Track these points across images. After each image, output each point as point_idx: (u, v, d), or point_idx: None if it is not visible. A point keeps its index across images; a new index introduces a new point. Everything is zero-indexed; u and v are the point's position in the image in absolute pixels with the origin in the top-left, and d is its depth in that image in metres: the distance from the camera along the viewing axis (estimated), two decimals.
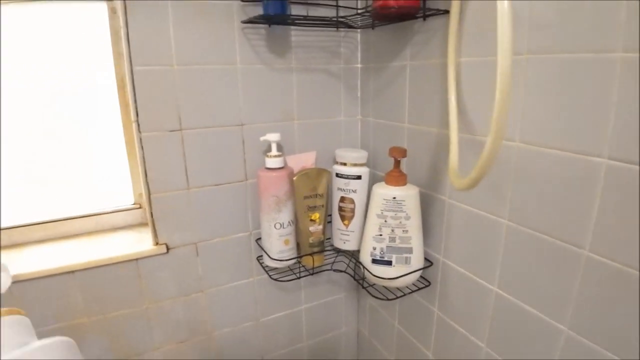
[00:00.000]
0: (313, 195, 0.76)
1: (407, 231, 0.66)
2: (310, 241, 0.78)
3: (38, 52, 0.69)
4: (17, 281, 0.63)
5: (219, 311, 0.83)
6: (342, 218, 0.78)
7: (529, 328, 0.55)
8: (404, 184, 0.66)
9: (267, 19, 0.67)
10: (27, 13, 0.67)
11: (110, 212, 0.80)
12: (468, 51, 0.57)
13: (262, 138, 0.72)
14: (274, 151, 0.72)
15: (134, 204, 0.83)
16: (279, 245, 0.74)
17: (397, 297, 0.73)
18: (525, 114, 0.50)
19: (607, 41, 0.41)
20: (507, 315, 0.58)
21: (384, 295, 0.74)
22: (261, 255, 0.81)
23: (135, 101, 0.66)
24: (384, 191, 0.66)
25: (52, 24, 0.69)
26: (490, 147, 0.43)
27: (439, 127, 0.65)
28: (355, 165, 0.75)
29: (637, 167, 0.40)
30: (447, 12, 0.58)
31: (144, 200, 0.74)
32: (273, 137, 0.72)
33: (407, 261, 0.67)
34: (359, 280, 0.75)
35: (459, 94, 0.59)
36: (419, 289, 0.73)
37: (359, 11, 0.69)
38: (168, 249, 0.74)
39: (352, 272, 0.80)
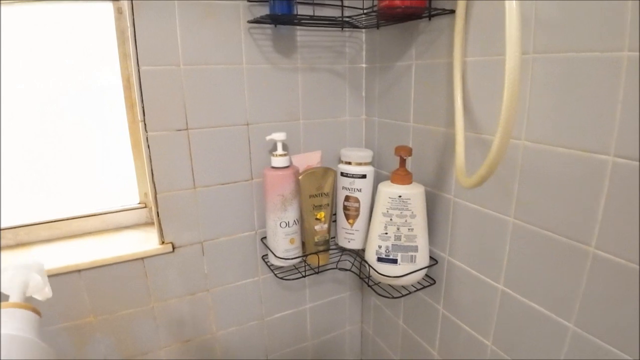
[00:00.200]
0: (319, 194, 0.76)
1: (412, 229, 0.67)
2: (316, 240, 0.78)
3: (44, 53, 0.69)
4: None
5: (225, 310, 0.84)
6: (347, 217, 0.79)
7: (535, 325, 0.55)
8: (410, 182, 0.67)
9: (273, 19, 0.67)
10: (31, 13, 0.67)
11: (116, 212, 0.81)
12: (474, 50, 0.57)
13: (267, 137, 0.73)
14: (280, 150, 0.72)
15: (139, 203, 0.83)
16: (284, 244, 0.75)
17: (403, 296, 0.73)
18: (531, 113, 0.51)
19: (613, 40, 0.41)
20: (513, 313, 0.58)
21: (389, 294, 0.75)
22: (266, 254, 0.82)
23: (142, 101, 0.66)
24: (389, 190, 0.66)
25: (58, 25, 0.69)
26: (499, 145, 0.43)
27: (444, 126, 0.65)
28: (360, 164, 0.76)
29: None
30: (452, 11, 0.59)
31: (150, 199, 0.74)
32: (279, 136, 0.72)
33: (412, 259, 0.68)
34: (365, 278, 0.75)
35: (464, 93, 0.59)
36: (424, 287, 0.73)
37: (365, 11, 0.69)
38: (174, 248, 0.75)
39: (357, 271, 0.81)
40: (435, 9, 0.60)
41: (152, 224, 0.81)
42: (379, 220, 0.68)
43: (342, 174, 0.77)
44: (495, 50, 0.54)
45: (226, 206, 0.77)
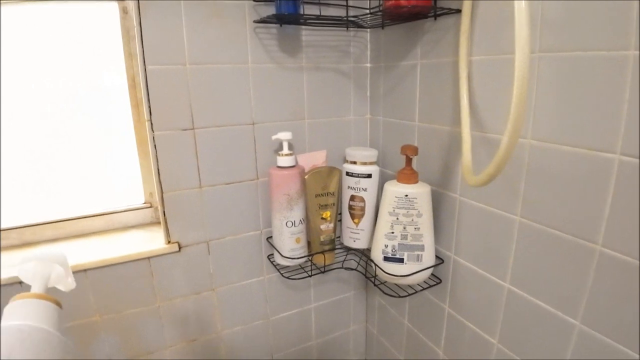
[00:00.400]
0: (324, 193, 0.76)
1: (418, 229, 0.67)
2: (322, 239, 0.78)
3: (48, 52, 0.70)
4: None
5: (230, 309, 0.84)
6: (352, 216, 0.79)
7: (541, 323, 0.55)
8: (416, 181, 0.67)
9: (279, 19, 0.67)
10: (36, 13, 0.67)
11: (122, 211, 0.81)
12: (479, 50, 0.58)
13: (273, 137, 0.73)
14: (286, 150, 0.72)
15: (144, 203, 0.83)
16: (290, 243, 0.75)
17: (409, 295, 0.73)
18: (537, 111, 0.51)
19: (619, 39, 0.41)
20: (519, 311, 0.58)
21: (395, 293, 0.75)
22: (272, 254, 0.82)
23: (148, 100, 0.66)
24: (396, 189, 0.66)
25: (62, 24, 0.70)
26: (508, 142, 0.43)
27: (449, 125, 0.65)
28: (365, 163, 0.76)
29: None
30: (458, 11, 0.59)
31: (156, 199, 0.74)
32: (284, 135, 0.72)
33: (418, 258, 0.68)
34: (370, 277, 0.75)
35: (470, 92, 0.59)
36: (430, 286, 0.73)
37: (371, 10, 0.69)
38: (180, 247, 0.75)
39: (362, 270, 0.81)
40: (441, 9, 0.60)
41: (158, 223, 0.81)
42: (385, 220, 0.68)
43: (348, 174, 0.77)
44: (501, 49, 0.54)
45: (232, 205, 0.77)
